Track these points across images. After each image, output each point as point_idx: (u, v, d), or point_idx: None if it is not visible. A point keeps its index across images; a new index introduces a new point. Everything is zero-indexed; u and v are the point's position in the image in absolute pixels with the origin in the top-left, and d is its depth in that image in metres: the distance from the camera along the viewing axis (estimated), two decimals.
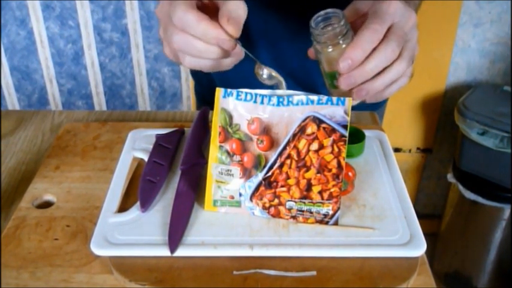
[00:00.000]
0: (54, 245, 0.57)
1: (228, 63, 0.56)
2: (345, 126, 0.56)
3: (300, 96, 0.57)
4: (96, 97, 1.72)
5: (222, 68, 0.57)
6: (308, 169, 0.57)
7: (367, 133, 0.72)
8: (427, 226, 1.12)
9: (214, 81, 0.92)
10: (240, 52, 0.54)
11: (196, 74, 1.02)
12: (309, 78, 0.83)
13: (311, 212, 0.58)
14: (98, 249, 0.55)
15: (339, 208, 0.57)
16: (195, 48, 0.53)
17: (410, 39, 0.55)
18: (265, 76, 0.56)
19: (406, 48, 0.54)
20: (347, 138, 0.56)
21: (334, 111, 0.56)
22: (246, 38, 0.76)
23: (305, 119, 0.57)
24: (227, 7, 0.51)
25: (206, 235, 0.56)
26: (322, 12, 0.55)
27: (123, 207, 0.61)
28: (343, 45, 0.55)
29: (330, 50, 0.55)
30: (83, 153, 0.72)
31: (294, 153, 0.57)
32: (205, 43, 0.52)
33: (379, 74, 0.54)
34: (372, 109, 0.86)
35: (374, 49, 0.52)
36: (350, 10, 0.58)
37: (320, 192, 0.57)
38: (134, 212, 0.59)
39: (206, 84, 0.98)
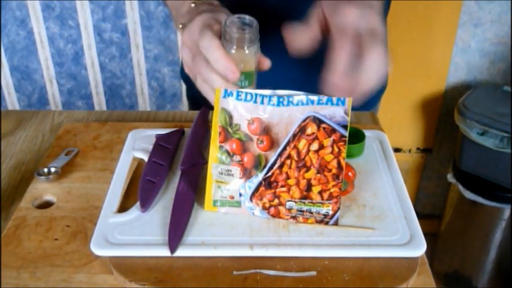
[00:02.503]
0: (54, 245, 0.57)
1: None
2: (345, 127, 0.56)
3: (300, 96, 0.57)
4: (96, 97, 1.72)
5: None
6: (308, 169, 0.57)
7: (367, 133, 0.72)
8: (427, 226, 1.12)
9: None
10: None
11: (186, 78, 1.02)
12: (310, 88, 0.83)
13: (311, 212, 0.58)
14: (98, 249, 0.55)
15: (339, 208, 0.57)
16: (213, 82, 0.57)
17: (376, 30, 0.55)
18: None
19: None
20: (347, 139, 0.56)
21: (334, 111, 0.56)
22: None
23: (305, 119, 0.57)
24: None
25: (206, 235, 0.56)
26: (239, 16, 0.57)
27: (123, 207, 0.61)
28: (246, 51, 0.57)
29: (233, 51, 0.57)
30: (83, 153, 0.72)
31: (294, 154, 0.57)
32: (223, 80, 0.57)
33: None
34: (364, 109, 0.86)
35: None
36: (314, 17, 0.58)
37: (320, 193, 0.57)
38: (134, 212, 0.59)
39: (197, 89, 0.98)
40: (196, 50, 0.58)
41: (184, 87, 1.69)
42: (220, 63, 0.55)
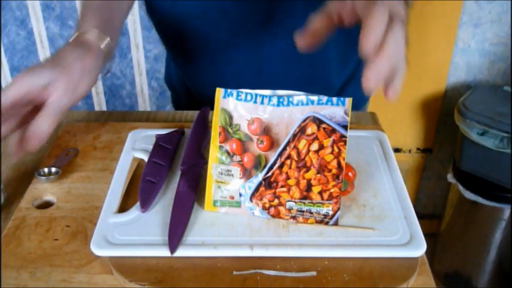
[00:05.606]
0: (54, 245, 0.57)
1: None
2: (345, 127, 0.56)
3: (300, 96, 0.57)
4: (96, 97, 1.72)
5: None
6: (308, 169, 0.57)
7: (367, 133, 0.72)
8: (427, 226, 1.12)
9: (190, 91, 0.93)
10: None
11: (171, 85, 1.02)
12: (319, 76, 0.83)
13: (311, 213, 0.58)
14: (98, 249, 0.55)
15: (339, 208, 0.57)
16: None
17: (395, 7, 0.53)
18: None
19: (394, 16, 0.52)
20: (347, 139, 0.56)
21: (334, 111, 0.56)
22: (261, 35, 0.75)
23: (305, 119, 0.57)
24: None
25: (206, 235, 0.56)
26: None
27: (123, 208, 0.61)
28: None
29: None
30: (83, 154, 0.72)
31: (294, 154, 0.57)
32: None
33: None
34: (355, 109, 0.85)
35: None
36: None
37: (320, 193, 0.57)
38: (134, 212, 0.59)
39: (182, 93, 0.98)
40: None
41: None
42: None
